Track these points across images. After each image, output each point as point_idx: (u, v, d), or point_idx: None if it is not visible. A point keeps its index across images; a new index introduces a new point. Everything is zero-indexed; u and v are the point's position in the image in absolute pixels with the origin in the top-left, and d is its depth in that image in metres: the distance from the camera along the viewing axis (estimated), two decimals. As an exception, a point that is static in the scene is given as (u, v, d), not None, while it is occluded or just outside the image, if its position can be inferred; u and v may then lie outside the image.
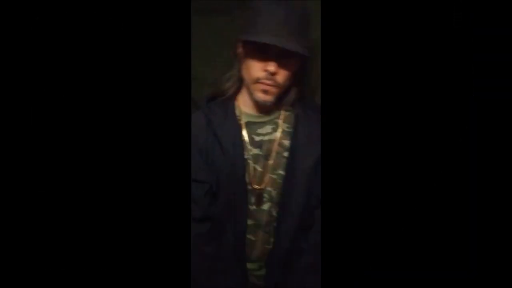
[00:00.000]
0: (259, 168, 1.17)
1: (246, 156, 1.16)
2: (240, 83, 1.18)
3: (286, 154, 1.17)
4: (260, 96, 1.11)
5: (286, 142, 1.18)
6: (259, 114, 1.18)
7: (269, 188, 1.16)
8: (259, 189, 1.16)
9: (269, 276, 1.17)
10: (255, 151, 1.16)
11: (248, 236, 1.17)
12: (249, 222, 1.16)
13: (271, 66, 1.08)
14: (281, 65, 1.09)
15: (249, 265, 1.18)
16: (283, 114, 1.19)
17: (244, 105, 1.19)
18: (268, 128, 1.18)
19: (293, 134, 1.18)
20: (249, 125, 1.18)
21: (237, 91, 1.19)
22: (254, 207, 1.16)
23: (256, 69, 1.10)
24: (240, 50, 1.13)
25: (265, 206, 1.16)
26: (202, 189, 1.14)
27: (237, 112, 1.19)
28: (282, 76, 1.10)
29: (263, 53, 1.09)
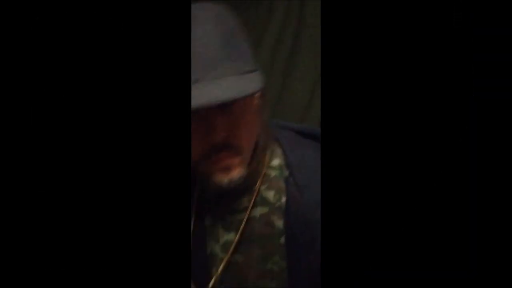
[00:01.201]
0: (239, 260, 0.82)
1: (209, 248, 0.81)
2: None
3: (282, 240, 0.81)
4: (223, 178, 0.76)
5: (279, 223, 0.81)
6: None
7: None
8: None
9: None
10: (228, 236, 0.81)
11: None
12: None
13: (216, 135, 0.72)
14: (230, 118, 0.73)
15: None
16: (264, 176, 0.81)
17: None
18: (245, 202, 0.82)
19: (286, 209, 0.81)
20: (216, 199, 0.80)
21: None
22: None
23: (195, 145, 0.73)
24: None
25: None
26: None
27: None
28: (238, 132, 0.74)
29: (195, 118, 0.72)
